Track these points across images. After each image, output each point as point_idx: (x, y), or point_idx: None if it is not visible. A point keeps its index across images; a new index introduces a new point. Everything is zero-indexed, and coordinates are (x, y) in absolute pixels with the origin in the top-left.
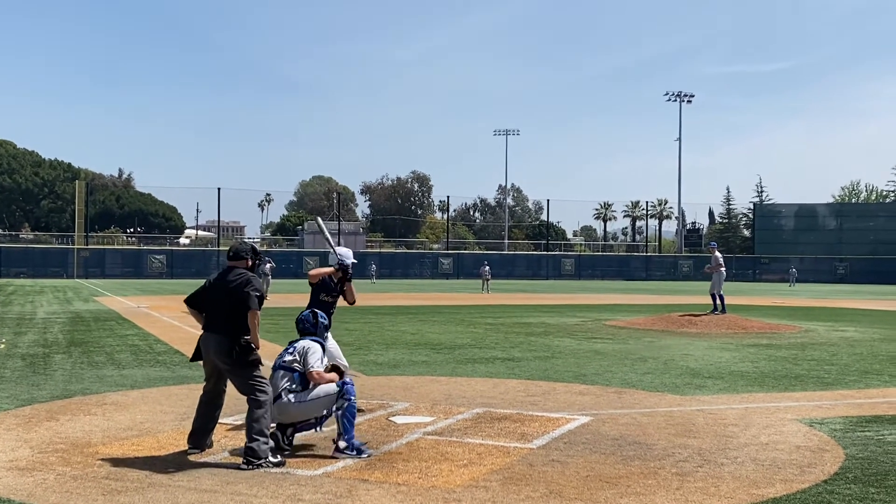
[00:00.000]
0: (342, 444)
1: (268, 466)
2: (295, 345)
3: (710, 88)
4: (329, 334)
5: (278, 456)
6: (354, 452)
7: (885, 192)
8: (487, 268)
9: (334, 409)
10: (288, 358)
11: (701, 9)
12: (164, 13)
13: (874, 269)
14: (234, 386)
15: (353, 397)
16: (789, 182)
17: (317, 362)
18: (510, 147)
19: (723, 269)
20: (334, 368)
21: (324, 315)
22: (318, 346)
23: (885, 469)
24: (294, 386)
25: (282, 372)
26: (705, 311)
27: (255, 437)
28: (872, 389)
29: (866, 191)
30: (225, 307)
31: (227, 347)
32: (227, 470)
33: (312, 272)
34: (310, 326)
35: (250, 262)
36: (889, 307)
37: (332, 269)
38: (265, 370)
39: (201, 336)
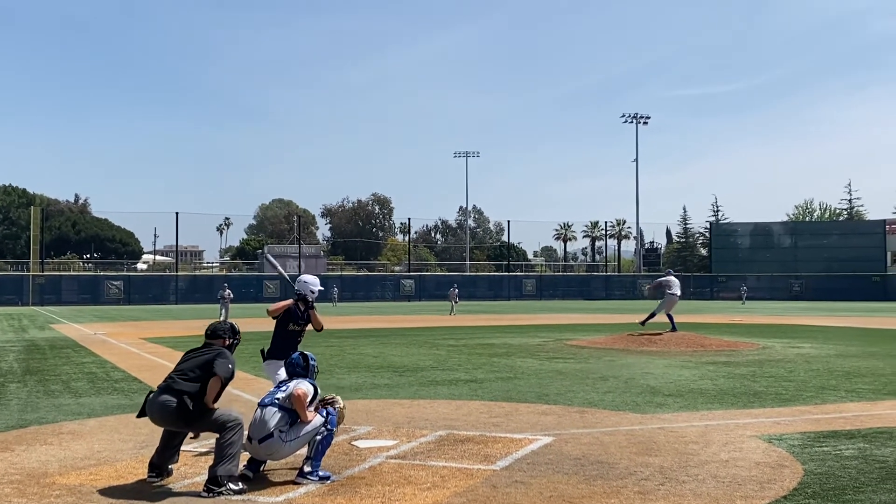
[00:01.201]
0: (307, 468)
1: (228, 494)
2: (288, 384)
3: (666, 110)
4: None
5: (240, 483)
6: (317, 478)
7: (838, 211)
8: (456, 290)
9: (314, 435)
10: (280, 395)
11: (656, 32)
12: (120, 39)
13: (829, 287)
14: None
15: (334, 428)
16: (744, 201)
17: (307, 403)
18: (470, 169)
19: (669, 290)
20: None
21: (313, 357)
22: (311, 387)
23: (843, 484)
24: (284, 425)
25: (273, 409)
26: (665, 329)
27: (223, 461)
28: (829, 405)
29: (820, 209)
30: (183, 369)
31: (172, 409)
32: (187, 498)
33: (271, 308)
34: (301, 370)
35: (227, 342)
36: (844, 323)
37: (290, 301)
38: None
39: (150, 395)
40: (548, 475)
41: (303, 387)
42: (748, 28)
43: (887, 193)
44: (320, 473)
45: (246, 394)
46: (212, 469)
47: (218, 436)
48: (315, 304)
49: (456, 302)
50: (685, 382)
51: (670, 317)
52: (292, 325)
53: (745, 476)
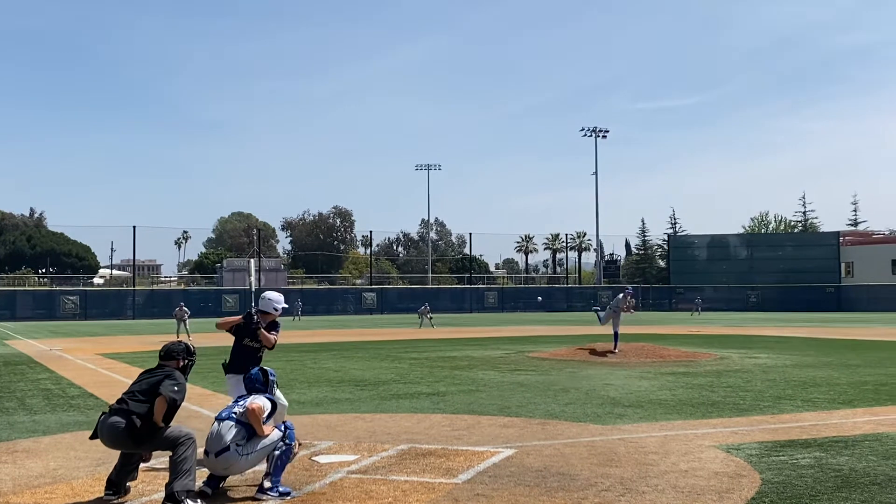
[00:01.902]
0: (267, 484)
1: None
2: (246, 398)
3: (625, 124)
4: (278, 391)
5: (198, 500)
6: (277, 494)
7: (793, 223)
8: (428, 307)
9: (272, 449)
10: (238, 410)
11: (614, 47)
12: (75, 49)
13: (784, 297)
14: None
15: (293, 443)
16: (701, 214)
17: (264, 417)
18: (432, 182)
19: (624, 308)
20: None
21: (273, 372)
22: (268, 402)
23: (800, 492)
24: (241, 439)
25: (229, 423)
26: (626, 340)
27: (178, 476)
28: (785, 414)
29: (775, 221)
30: (135, 390)
31: (122, 430)
32: None
33: (219, 322)
34: (260, 386)
35: (181, 363)
36: (799, 334)
37: (238, 318)
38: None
39: (102, 416)
40: (509, 487)
41: (258, 401)
42: (704, 43)
43: (841, 206)
44: (280, 489)
45: (204, 409)
46: (168, 486)
47: (171, 453)
48: (279, 320)
49: (429, 318)
50: (645, 393)
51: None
52: (248, 341)
53: (704, 486)
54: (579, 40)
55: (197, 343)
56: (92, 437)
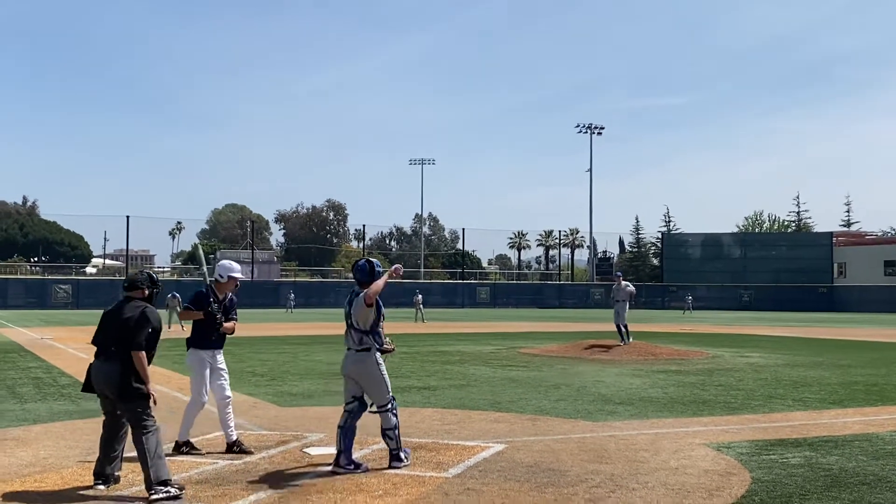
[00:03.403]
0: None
1: (177, 491)
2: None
3: (620, 121)
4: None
5: (175, 488)
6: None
7: (786, 223)
8: (420, 297)
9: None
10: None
11: (609, 44)
12: (71, 39)
13: (777, 297)
14: (122, 414)
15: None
16: (696, 212)
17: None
18: (426, 176)
19: (627, 300)
20: None
21: (378, 263)
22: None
23: (790, 491)
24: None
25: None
26: (616, 339)
27: (155, 461)
28: (776, 413)
29: (769, 220)
30: (116, 337)
31: (116, 379)
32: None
33: (182, 314)
34: (365, 277)
35: (146, 293)
36: (791, 333)
37: (200, 314)
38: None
39: (91, 365)
40: (499, 482)
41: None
42: (700, 41)
43: (834, 206)
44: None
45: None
46: (149, 468)
47: (135, 439)
48: (237, 305)
49: (420, 307)
50: (636, 391)
51: (626, 326)
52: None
53: (694, 483)
54: (576, 36)
55: (181, 333)
56: (84, 390)
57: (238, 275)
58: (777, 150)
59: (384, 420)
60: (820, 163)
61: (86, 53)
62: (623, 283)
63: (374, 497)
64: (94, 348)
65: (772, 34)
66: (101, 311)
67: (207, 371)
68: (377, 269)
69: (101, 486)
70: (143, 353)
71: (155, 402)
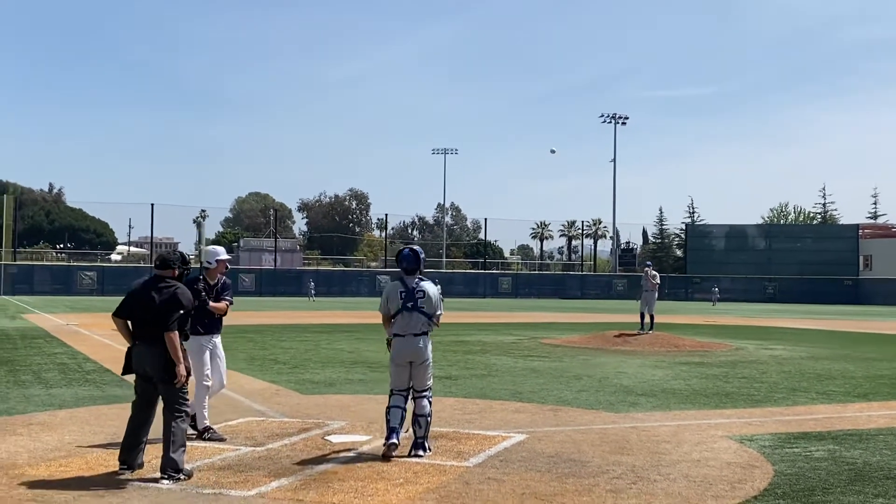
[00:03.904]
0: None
1: (185, 478)
2: (421, 285)
3: (645, 111)
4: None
5: (183, 475)
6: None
7: (812, 214)
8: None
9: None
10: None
11: (634, 33)
12: (96, 28)
13: (802, 289)
14: (161, 396)
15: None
16: (720, 203)
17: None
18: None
19: (655, 290)
20: None
21: (422, 250)
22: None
23: (812, 485)
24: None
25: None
26: (636, 329)
27: (179, 448)
28: (800, 406)
29: (795, 212)
30: (154, 319)
31: (160, 361)
32: (157, 490)
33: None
34: (412, 265)
35: (177, 272)
36: (816, 326)
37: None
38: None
39: (133, 348)
40: (520, 472)
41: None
42: (726, 31)
43: (861, 198)
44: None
45: None
46: (171, 453)
47: (166, 421)
48: (230, 287)
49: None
50: (658, 382)
51: (652, 317)
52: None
53: (717, 476)
54: (600, 24)
55: None
56: (123, 374)
57: (224, 256)
58: (803, 142)
59: (419, 406)
60: (847, 154)
61: (114, 42)
62: (652, 272)
63: (395, 485)
64: (119, 335)
65: (799, 24)
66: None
67: (207, 356)
68: (420, 255)
69: (127, 470)
70: (176, 333)
71: (187, 378)
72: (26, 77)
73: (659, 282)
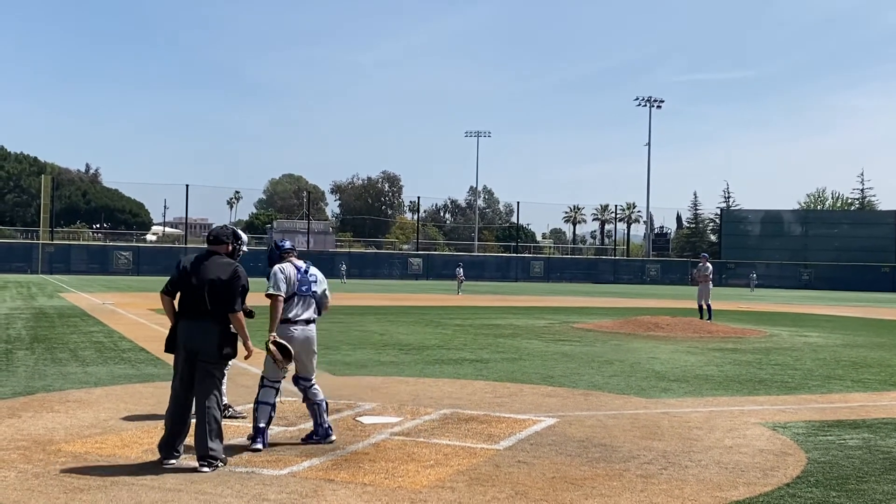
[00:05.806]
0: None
1: (222, 465)
2: (313, 275)
3: (680, 95)
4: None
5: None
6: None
7: (849, 200)
8: (461, 269)
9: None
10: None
11: (671, 16)
12: (133, 12)
13: (838, 276)
14: (198, 378)
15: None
16: (756, 188)
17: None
18: (482, 149)
19: (710, 280)
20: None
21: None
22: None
23: (846, 473)
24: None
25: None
26: (673, 314)
27: (216, 437)
28: (834, 394)
29: (832, 198)
30: (208, 295)
31: (214, 339)
32: (190, 473)
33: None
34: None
35: (230, 248)
36: (851, 313)
37: None
38: None
39: (180, 324)
40: (551, 456)
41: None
42: (764, 15)
43: None
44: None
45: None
46: (209, 442)
47: (200, 405)
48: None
49: (462, 281)
50: (691, 368)
51: (709, 307)
52: None
53: (749, 463)
54: (637, 8)
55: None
56: (166, 350)
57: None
58: (841, 127)
59: (313, 393)
60: (885, 140)
61: (151, 25)
62: (707, 263)
63: (426, 466)
64: (153, 314)
65: (837, 8)
66: (163, 278)
67: None
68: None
69: (172, 462)
70: (241, 313)
71: (250, 355)
72: (65, 59)
73: (709, 274)
